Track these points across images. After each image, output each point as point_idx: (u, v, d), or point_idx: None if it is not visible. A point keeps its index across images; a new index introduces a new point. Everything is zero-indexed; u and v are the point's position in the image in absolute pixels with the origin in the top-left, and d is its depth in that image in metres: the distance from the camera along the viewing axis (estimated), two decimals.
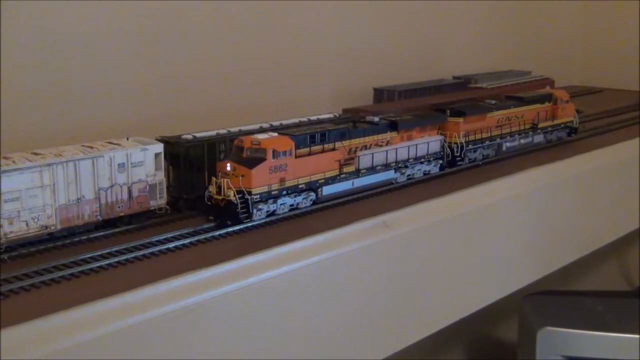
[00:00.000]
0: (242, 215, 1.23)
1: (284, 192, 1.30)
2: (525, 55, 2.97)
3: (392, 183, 1.52)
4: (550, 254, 1.74)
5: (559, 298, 2.23)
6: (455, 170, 1.66)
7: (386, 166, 1.49)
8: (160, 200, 1.27)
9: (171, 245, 1.16)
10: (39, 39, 1.58)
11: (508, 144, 1.81)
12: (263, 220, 1.27)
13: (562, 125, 1.96)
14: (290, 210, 1.32)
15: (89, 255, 1.10)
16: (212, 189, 1.24)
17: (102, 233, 1.20)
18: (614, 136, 2.10)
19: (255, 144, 1.27)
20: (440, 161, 1.63)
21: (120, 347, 0.94)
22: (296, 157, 1.31)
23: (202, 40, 1.89)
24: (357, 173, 1.43)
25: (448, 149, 1.64)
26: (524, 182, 1.64)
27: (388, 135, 1.50)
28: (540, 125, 1.88)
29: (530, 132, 1.87)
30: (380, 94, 2.19)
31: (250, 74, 2.00)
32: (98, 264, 1.08)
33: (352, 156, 1.42)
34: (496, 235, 1.56)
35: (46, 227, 1.13)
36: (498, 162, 1.77)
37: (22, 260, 1.09)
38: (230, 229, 1.23)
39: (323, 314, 1.20)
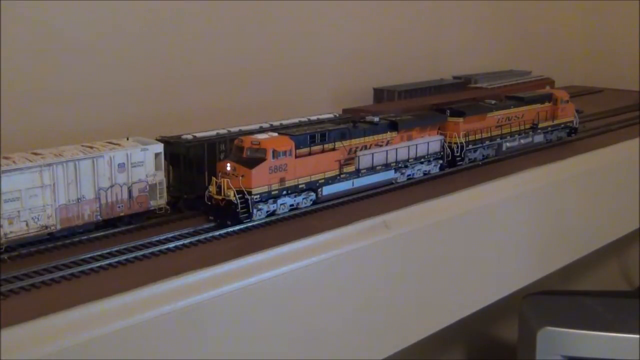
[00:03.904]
0: (242, 215, 1.23)
1: (284, 192, 1.30)
2: (525, 55, 2.97)
3: (392, 183, 1.52)
4: (550, 254, 1.74)
5: (559, 298, 2.23)
6: (455, 170, 1.66)
7: (386, 166, 1.49)
8: (160, 200, 1.26)
9: (171, 245, 1.16)
10: (39, 39, 1.58)
11: (508, 144, 1.81)
12: (263, 220, 1.27)
13: (562, 125, 1.96)
14: (290, 210, 1.32)
15: (89, 255, 1.10)
16: (212, 189, 1.24)
17: (102, 233, 1.20)
18: (614, 136, 2.10)
19: (255, 144, 1.27)
20: (440, 161, 1.63)
21: (120, 347, 0.94)
22: (296, 157, 1.31)
23: (202, 40, 1.89)
24: (357, 173, 1.43)
25: (448, 149, 1.64)
26: (524, 182, 1.64)
27: (388, 135, 1.50)
28: (540, 125, 1.88)
29: (530, 132, 1.87)
30: (380, 94, 2.19)
31: (250, 74, 2.00)
32: (98, 264, 1.08)
33: (352, 156, 1.42)
34: (496, 235, 1.56)
35: (46, 227, 1.13)
36: (498, 162, 1.77)
37: (22, 260, 1.09)
38: (230, 229, 1.23)
39: (323, 314, 1.20)
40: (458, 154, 1.66)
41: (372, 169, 1.46)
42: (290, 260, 1.14)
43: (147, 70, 1.78)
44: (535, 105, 1.88)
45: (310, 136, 1.35)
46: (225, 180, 1.23)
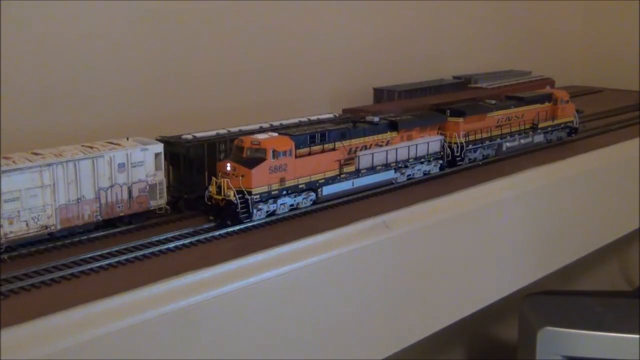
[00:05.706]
0: (242, 215, 1.23)
1: (284, 192, 1.30)
2: (525, 55, 2.97)
3: (392, 183, 1.52)
4: (550, 254, 1.74)
5: (559, 298, 2.23)
6: (455, 170, 1.66)
7: (386, 166, 1.49)
8: (160, 200, 1.26)
9: (171, 245, 1.16)
10: (39, 39, 1.58)
11: (508, 144, 1.81)
12: (263, 220, 1.27)
13: (562, 125, 1.96)
14: (291, 210, 1.32)
15: (89, 255, 1.10)
16: (212, 189, 1.24)
17: (102, 233, 1.20)
18: (614, 136, 2.10)
19: (255, 144, 1.27)
20: (440, 161, 1.63)
21: (120, 347, 0.94)
22: (296, 157, 1.31)
23: (202, 40, 1.89)
24: (357, 173, 1.43)
25: (448, 149, 1.64)
26: (524, 182, 1.64)
27: (388, 135, 1.50)
28: (540, 125, 1.88)
29: (530, 132, 1.87)
30: (380, 94, 2.19)
31: (250, 74, 2.00)
32: (98, 264, 1.08)
33: (352, 156, 1.42)
34: (496, 235, 1.56)
35: (46, 227, 1.13)
36: (498, 162, 1.77)
37: (22, 260, 1.09)
38: (230, 229, 1.23)
39: (323, 314, 1.20)
40: (458, 154, 1.66)
41: (372, 169, 1.46)
42: (290, 260, 1.14)
43: (147, 70, 1.78)
44: (535, 105, 1.88)
45: (310, 136, 1.35)
46: (225, 180, 1.23)
